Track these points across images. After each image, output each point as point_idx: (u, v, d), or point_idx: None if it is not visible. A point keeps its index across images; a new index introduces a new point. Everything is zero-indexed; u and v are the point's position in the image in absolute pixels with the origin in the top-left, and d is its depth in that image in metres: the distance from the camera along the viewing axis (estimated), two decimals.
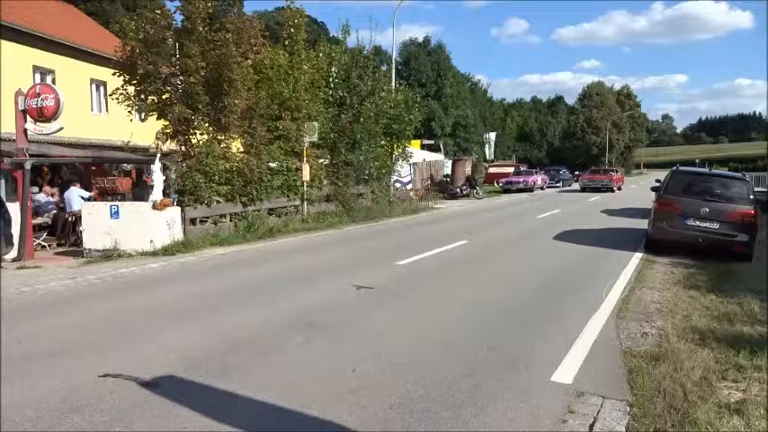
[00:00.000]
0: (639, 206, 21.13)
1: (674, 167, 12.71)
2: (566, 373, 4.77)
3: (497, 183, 38.91)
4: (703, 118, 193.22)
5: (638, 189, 38.36)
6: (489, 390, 4.42)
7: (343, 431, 3.77)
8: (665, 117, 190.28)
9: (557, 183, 45.21)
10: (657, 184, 12.24)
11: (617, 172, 43.12)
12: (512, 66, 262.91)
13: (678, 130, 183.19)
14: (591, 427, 3.81)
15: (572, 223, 16.75)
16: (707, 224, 10.59)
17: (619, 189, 39.06)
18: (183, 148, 14.00)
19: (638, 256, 10.93)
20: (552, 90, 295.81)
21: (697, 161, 50.52)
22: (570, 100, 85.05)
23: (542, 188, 40.28)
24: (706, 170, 13.53)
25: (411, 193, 27.42)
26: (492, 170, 44.72)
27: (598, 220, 18.06)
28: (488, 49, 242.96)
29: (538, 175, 40.85)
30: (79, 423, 3.88)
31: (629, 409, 4.07)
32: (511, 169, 43.46)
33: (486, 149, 53.96)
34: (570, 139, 73.20)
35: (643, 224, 13.65)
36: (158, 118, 13.95)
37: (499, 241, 13.71)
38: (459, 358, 5.15)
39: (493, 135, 56.42)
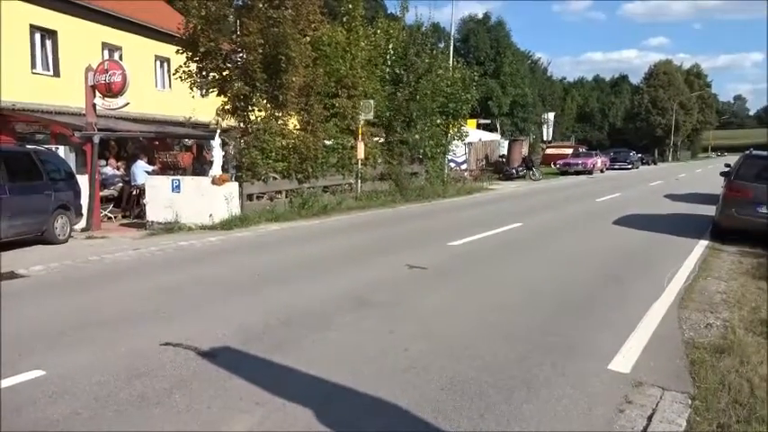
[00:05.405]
0: (705, 191, 20.20)
1: (747, 152, 12.05)
2: (624, 362, 4.62)
3: (555, 164, 38.01)
4: None
5: (705, 173, 36.62)
6: (543, 375, 4.34)
7: (395, 409, 3.78)
8: (738, 98, 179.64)
9: (627, 165, 44.09)
10: (727, 169, 11.65)
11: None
12: (574, 43, 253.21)
13: (751, 112, 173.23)
14: (650, 418, 3.68)
15: (632, 208, 16.18)
16: None
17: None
18: (242, 124, 14.25)
19: (702, 243, 10.45)
20: (616, 69, 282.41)
21: None
22: (635, 79, 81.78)
23: (602, 171, 39.08)
24: None
25: (465, 174, 27.13)
26: (549, 151, 43.80)
27: (660, 205, 17.38)
28: (549, 26, 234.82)
29: (597, 158, 39.66)
30: (141, 389, 4.05)
31: (690, 402, 3.91)
32: (569, 150, 42.42)
33: (545, 130, 52.73)
34: (634, 121, 70.32)
35: (708, 210, 13.05)
36: (218, 94, 14.22)
37: (555, 225, 13.40)
38: (513, 342, 5.08)
39: (552, 115, 55.02)
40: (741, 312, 5.98)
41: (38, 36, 17.76)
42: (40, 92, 16.72)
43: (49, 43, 18.10)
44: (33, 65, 17.57)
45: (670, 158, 68.62)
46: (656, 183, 28.57)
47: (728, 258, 9.20)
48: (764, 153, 13.10)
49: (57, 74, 18.08)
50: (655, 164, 57.51)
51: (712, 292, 6.93)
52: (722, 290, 7.06)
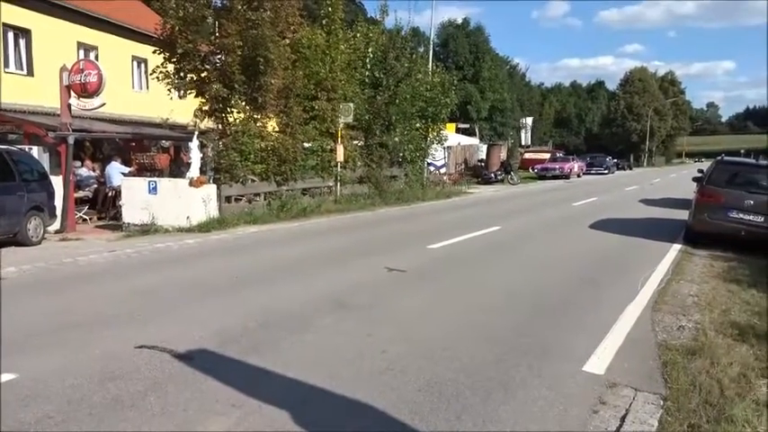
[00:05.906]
0: (678, 196, 20.58)
1: (719, 157, 12.31)
2: (598, 363, 4.68)
3: (533, 169, 38.41)
4: (751, 107, 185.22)
5: (679, 178, 37.24)
6: (520, 377, 4.39)
7: (372, 411, 3.79)
8: (710, 105, 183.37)
9: (604, 170, 44.83)
10: (699, 175, 11.89)
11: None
12: (551, 49, 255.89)
13: (723, 119, 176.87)
14: (622, 419, 3.74)
15: (608, 212, 16.41)
16: (751, 217, 10.24)
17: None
18: (220, 126, 14.14)
19: (676, 247, 10.65)
20: (592, 75, 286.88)
21: (742, 151, 48.78)
22: (611, 85, 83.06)
23: (579, 175, 39.60)
24: (752, 161, 13.06)
25: (444, 177, 27.26)
26: (527, 156, 44.26)
27: (635, 210, 17.67)
28: (528, 32, 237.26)
29: (574, 162, 40.21)
30: (115, 391, 3.99)
31: (662, 402, 3.98)
32: (547, 155, 42.97)
33: (523, 134, 53.28)
34: (610, 126, 71.46)
35: (682, 215, 13.30)
36: (196, 96, 14.10)
37: (533, 228, 13.53)
38: (490, 344, 5.12)
39: (530, 120, 55.64)
40: (712, 315, 6.10)
41: (11, 35, 17.45)
42: (14, 91, 16.41)
43: (22, 42, 17.79)
44: (6, 64, 17.26)
45: (645, 164, 69.81)
46: (631, 188, 29.01)
47: (700, 262, 9.38)
48: (735, 159, 13.42)
49: (30, 73, 17.78)
50: (630, 169, 58.48)
51: (684, 295, 7.05)
52: (694, 293, 7.19)
